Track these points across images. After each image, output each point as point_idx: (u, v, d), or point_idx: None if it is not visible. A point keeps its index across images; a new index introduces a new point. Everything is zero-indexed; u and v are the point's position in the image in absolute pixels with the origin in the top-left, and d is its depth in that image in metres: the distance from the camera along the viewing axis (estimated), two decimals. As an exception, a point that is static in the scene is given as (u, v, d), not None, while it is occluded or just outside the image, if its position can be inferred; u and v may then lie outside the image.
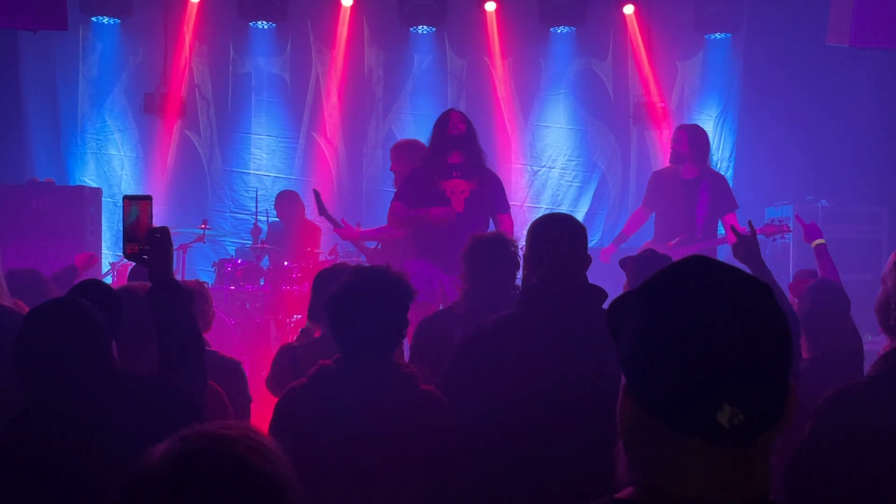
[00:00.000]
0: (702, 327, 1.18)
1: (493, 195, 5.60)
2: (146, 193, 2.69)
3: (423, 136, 5.90)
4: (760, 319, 1.21)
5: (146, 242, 2.57)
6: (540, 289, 3.03)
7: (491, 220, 5.65)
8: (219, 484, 1.24)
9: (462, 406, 2.85)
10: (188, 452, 1.26)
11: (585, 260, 3.10)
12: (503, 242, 3.78)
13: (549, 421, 2.78)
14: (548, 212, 9.29)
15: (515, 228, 5.80)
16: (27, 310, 3.32)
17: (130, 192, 8.95)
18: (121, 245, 8.10)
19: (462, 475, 2.72)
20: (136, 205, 2.60)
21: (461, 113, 5.75)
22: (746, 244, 3.45)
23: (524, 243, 3.69)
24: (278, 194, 8.34)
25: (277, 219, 8.45)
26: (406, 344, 5.43)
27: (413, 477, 2.59)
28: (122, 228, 2.66)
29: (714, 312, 1.19)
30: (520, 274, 3.77)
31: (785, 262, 7.87)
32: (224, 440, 1.29)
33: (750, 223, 3.64)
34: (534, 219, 3.43)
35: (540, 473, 2.79)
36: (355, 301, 2.71)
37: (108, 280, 7.18)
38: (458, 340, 3.18)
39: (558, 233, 3.09)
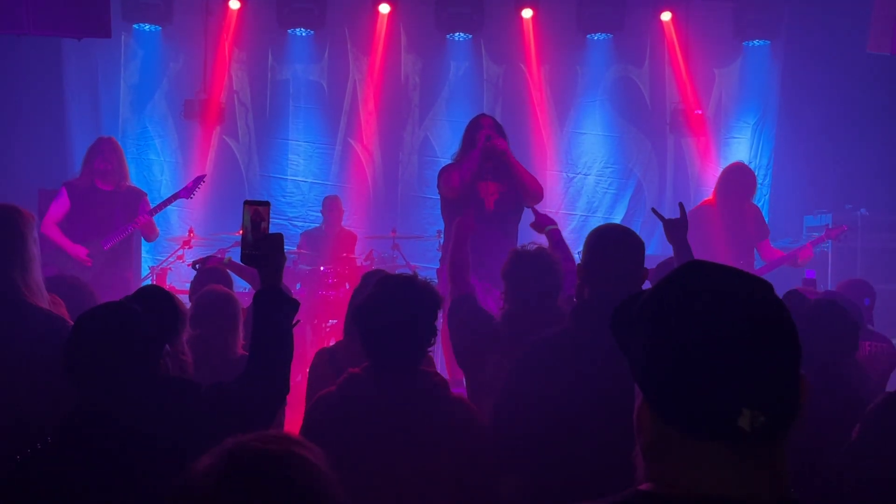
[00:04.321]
0: (712, 335, 1.20)
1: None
2: (265, 199, 2.74)
3: (458, 142, 5.93)
4: (768, 318, 1.22)
5: (260, 248, 2.61)
6: (592, 303, 2.97)
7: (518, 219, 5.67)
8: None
9: (519, 423, 2.83)
10: (232, 471, 1.25)
11: (641, 272, 3.04)
12: (545, 258, 3.61)
13: (601, 435, 2.69)
14: (583, 219, 9.28)
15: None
16: (61, 304, 3.39)
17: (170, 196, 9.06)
18: (160, 249, 8.27)
19: (491, 482, 2.71)
20: (255, 210, 2.64)
21: (492, 118, 5.78)
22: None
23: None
24: (326, 198, 8.53)
25: (314, 224, 8.54)
26: (439, 351, 5.45)
27: (443, 485, 2.59)
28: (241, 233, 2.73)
29: (722, 318, 1.20)
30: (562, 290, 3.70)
31: (823, 271, 7.79)
32: (269, 457, 1.28)
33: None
34: (569, 226, 3.44)
35: (586, 486, 2.76)
36: (383, 310, 2.71)
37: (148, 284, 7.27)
38: (513, 358, 3.09)
39: (612, 245, 3.03)
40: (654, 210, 4.07)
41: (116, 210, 6.39)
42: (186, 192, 6.66)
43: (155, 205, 6.64)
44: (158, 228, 6.82)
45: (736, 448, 1.20)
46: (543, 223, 4.52)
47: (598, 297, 2.95)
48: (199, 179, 6.74)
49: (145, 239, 6.82)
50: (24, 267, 3.09)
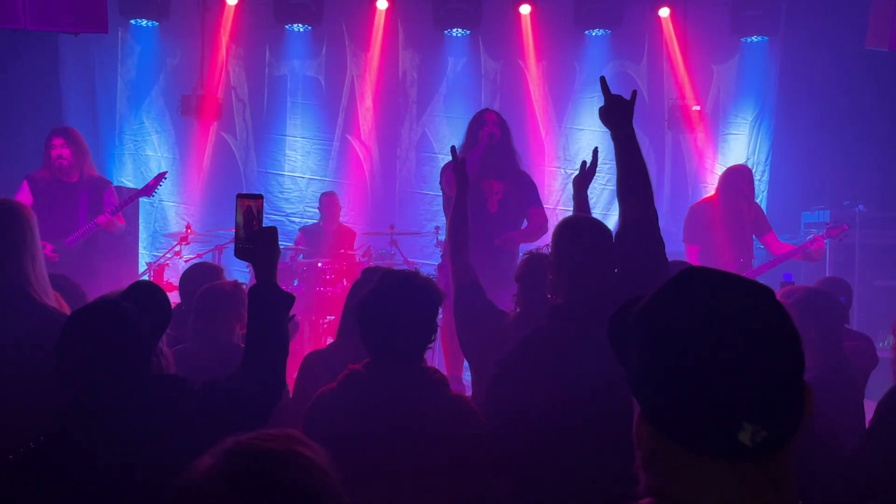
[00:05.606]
0: (711, 347, 1.14)
1: (525, 194, 5.58)
2: (258, 192, 2.68)
3: (456, 138, 5.91)
4: (768, 327, 1.16)
5: (253, 242, 2.57)
6: (568, 299, 2.93)
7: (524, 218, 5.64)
8: None
9: (501, 420, 2.80)
10: (233, 470, 1.24)
11: (613, 262, 2.98)
12: None
13: (578, 435, 2.69)
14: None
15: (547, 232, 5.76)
16: (63, 302, 3.38)
17: (166, 192, 9.05)
18: (157, 245, 8.21)
19: (489, 482, 2.69)
20: (248, 204, 2.59)
21: (496, 113, 5.74)
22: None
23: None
24: (323, 194, 8.51)
25: (312, 220, 8.53)
26: (438, 348, 5.41)
27: (440, 482, 2.57)
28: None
29: (720, 328, 1.15)
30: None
31: (821, 267, 7.79)
32: (270, 455, 1.27)
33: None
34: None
35: (563, 487, 2.74)
36: (384, 306, 2.70)
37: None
38: (498, 360, 3.04)
39: (581, 237, 2.99)
40: (593, 154, 4.03)
41: (80, 201, 6.17)
42: (148, 191, 6.48)
43: (145, 185, 6.52)
44: (124, 220, 6.50)
45: (737, 463, 1.14)
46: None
47: (572, 292, 2.92)
48: (160, 177, 6.54)
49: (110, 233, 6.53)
50: (34, 261, 3.10)
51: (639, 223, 2.91)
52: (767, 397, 1.13)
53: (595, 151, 3.79)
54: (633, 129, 3.16)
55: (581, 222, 3.17)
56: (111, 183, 6.54)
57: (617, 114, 3.14)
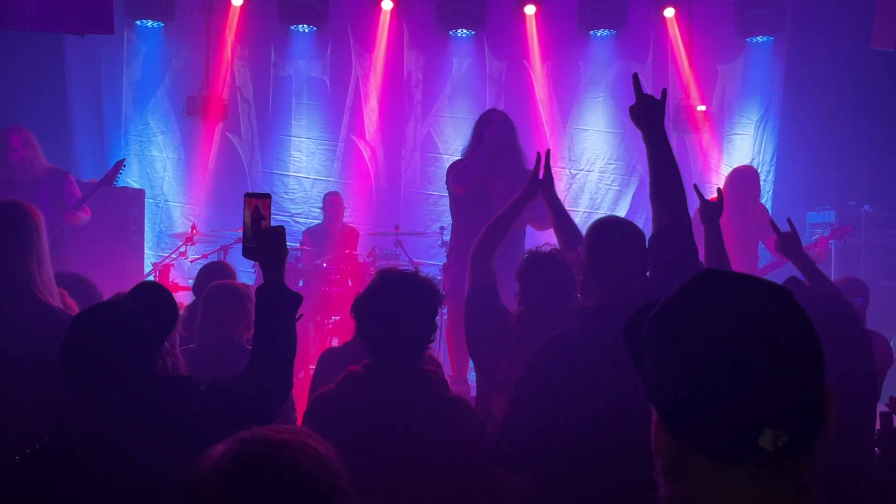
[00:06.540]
0: (729, 351, 1.11)
1: None
2: (266, 192, 2.68)
3: (461, 139, 5.92)
4: (787, 330, 1.13)
5: (261, 241, 2.56)
6: (597, 299, 2.90)
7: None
8: (274, 491, 1.25)
9: (528, 424, 2.77)
10: (245, 457, 1.26)
11: (644, 264, 2.94)
12: (559, 260, 3.50)
13: (605, 438, 2.63)
14: (586, 215, 9.26)
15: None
16: (70, 300, 3.38)
17: (172, 193, 9.07)
18: (163, 245, 8.20)
19: (488, 482, 2.68)
20: (256, 203, 2.59)
21: (503, 113, 5.74)
22: (790, 241, 3.53)
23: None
24: (327, 194, 8.50)
25: (317, 221, 8.54)
26: (442, 347, 5.41)
27: (439, 484, 2.56)
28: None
29: (740, 333, 1.12)
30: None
31: (826, 267, 7.78)
32: (281, 445, 1.29)
33: (789, 220, 3.70)
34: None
35: (586, 489, 2.71)
36: (383, 306, 2.68)
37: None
38: (527, 358, 2.99)
39: (613, 238, 2.94)
40: (695, 187, 3.89)
41: (43, 199, 6.13)
42: (108, 181, 6.42)
43: (105, 175, 6.47)
44: (88, 211, 6.39)
45: (758, 469, 1.12)
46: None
47: (603, 294, 2.89)
48: (119, 165, 6.51)
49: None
50: (39, 261, 3.11)
51: (672, 228, 2.87)
52: (788, 401, 1.10)
53: (719, 190, 3.76)
54: (664, 129, 3.02)
55: (612, 223, 3.10)
56: (69, 173, 6.50)
57: (648, 113, 3.02)
